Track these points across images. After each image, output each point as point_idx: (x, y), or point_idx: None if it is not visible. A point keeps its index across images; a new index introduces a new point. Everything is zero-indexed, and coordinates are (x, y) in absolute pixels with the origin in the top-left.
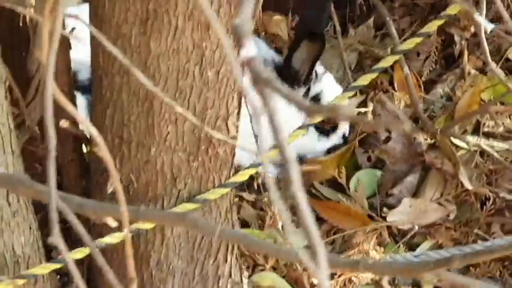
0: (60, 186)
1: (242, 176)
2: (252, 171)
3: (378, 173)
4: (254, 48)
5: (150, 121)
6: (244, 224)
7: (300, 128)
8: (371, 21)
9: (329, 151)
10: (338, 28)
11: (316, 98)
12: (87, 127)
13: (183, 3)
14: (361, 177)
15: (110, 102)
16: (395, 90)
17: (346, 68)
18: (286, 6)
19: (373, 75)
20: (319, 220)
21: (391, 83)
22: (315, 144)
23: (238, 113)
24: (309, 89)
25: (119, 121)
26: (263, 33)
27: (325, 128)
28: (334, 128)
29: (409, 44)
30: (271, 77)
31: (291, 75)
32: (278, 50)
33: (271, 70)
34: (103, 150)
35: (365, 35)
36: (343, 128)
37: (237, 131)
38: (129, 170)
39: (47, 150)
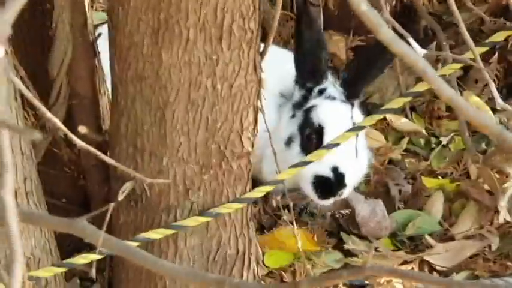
0: (85, 190)
1: (258, 192)
2: (269, 188)
3: None
4: (1, 51)
5: (162, 131)
6: None
7: (324, 147)
8: (433, 45)
9: (320, 183)
10: None
11: (308, 111)
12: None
13: (194, 15)
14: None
15: (125, 110)
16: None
17: (402, 91)
18: (348, 25)
19: (406, 99)
20: None
21: (449, 109)
22: (296, 158)
23: (254, 128)
24: (306, 100)
25: (133, 130)
26: None
27: (311, 149)
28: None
29: (447, 70)
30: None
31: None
32: (334, 69)
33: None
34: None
35: (426, 59)
36: (333, 156)
37: (252, 146)
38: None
39: (72, 154)
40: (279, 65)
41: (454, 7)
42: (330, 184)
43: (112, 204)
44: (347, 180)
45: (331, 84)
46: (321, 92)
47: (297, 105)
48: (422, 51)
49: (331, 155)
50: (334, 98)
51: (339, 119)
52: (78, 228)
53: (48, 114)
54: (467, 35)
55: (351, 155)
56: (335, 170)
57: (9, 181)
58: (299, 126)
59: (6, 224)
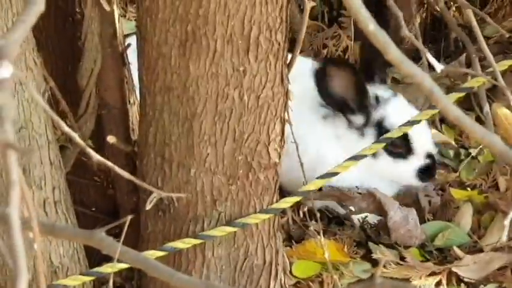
0: (115, 199)
1: (285, 203)
2: (296, 199)
3: None
4: (9, 71)
5: (190, 142)
6: None
7: (352, 158)
8: (463, 57)
9: (422, 172)
10: (426, 62)
11: (380, 125)
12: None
13: (222, 27)
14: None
15: (153, 121)
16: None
17: (431, 102)
18: None
19: (435, 111)
20: None
21: (478, 121)
22: (391, 166)
23: (281, 140)
24: (369, 116)
25: (161, 140)
26: (355, 62)
27: (399, 151)
28: (409, 149)
29: (475, 82)
30: None
31: (337, 103)
32: None
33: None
34: None
35: (455, 71)
36: (423, 146)
37: (279, 158)
38: (171, 189)
39: (100, 165)
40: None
41: (474, 22)
42: (431, 169)
43: (129, 217)
44: (437, 158)
45: (380, 86)
46: (377, 99)
47: (363, 126)
48: (440, 67)
49: (420, 142)
50: (389, 99)
51: (407, 114)
52: (96, 240)
53: (66, 129)
54: (487, 50)
55: (428, 131)
56: (430, 156)
57: (16, 199)
58: (375, 139)
59: (12, 242)
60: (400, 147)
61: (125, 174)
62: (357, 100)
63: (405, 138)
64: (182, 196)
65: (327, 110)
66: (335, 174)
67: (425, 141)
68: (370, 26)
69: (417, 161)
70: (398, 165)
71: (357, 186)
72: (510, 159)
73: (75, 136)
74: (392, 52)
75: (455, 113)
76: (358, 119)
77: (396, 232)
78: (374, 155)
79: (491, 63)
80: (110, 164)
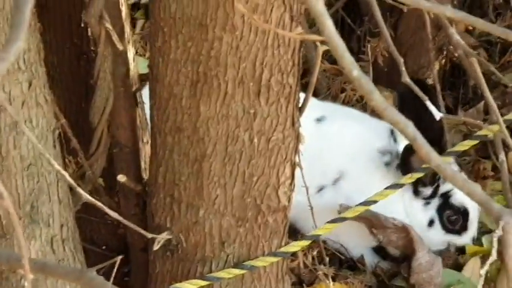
0: (125, 238)
1: (293, 247)
2: (305, 243)
3: None
4: None
5: (199, 183)
6: None
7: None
8: (481, 104)
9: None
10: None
11: (446, 196)
12: None
13: (233, 69)
14: None
15: (163, 160)
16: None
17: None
18: (397, 81)
19: (449, 159)
20: None
21: (494, 169)
22: (441, 238)
23: (291, 183)
24: (437, 187)
25: (170, 180)
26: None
27: (455, 228)
28: (465, 227)
29: (487, 131)
30: None
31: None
32: None
33: (393, 161)
34: None
35: (474, 118)
36: (474, 231)
37: (289, 201)
38: (179, 229)
39: (112, 203)
40: (365, 123)
41: (479, 72)
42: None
43: (119, 257)
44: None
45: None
46: None
47: (430, 197)
48: (439, 115)
49: (473, 225)
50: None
51: None
52: (86, 279)
53: (57, 167)
54: (491, 100)
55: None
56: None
57: None
58: (437, 209)
59: None
60: (457, 226)
61: (114, 215)
62: (431, 175)
63: (464, 218)
64: (191, 237)
65: (399, 176)
66: (345, 219)
67: (476, 226)
68: (354, 71)
69: (464, 239)
70: (447, 239)
71: (393, 218)
72: (490, 208)
73: (66, 174)
74: (376, 99)
75: (437, 161)
76: (427, 190)
77: (418, 275)
78: (430, 223)
79: (495, 114)
80: (99, 204)
